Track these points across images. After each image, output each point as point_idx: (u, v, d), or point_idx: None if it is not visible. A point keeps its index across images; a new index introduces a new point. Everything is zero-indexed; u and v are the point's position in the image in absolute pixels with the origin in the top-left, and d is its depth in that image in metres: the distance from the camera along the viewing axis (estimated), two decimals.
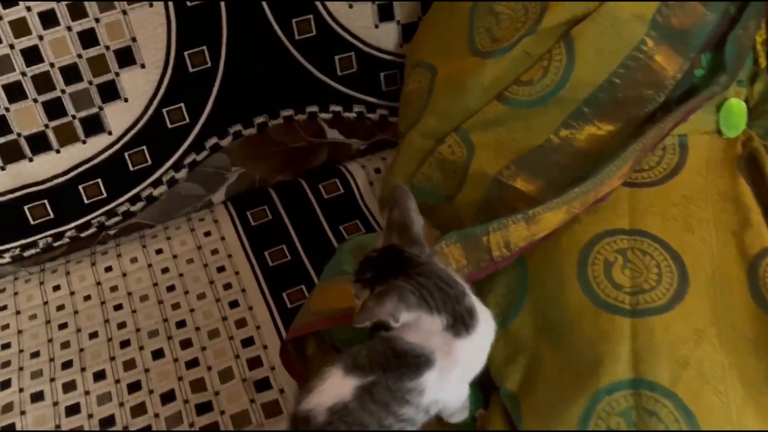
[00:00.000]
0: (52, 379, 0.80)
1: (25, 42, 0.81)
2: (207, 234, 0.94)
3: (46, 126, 0.86)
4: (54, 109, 0.85)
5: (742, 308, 0.63)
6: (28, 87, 0.83)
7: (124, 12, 0.84)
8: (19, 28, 0.80)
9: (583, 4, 0.73)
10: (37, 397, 0.78)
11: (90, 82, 0.86)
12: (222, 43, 0.89)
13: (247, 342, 0.81)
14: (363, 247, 0.71)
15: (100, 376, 0.80)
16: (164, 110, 0.90)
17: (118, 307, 0.87)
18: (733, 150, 0.75)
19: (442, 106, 0.79)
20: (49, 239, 0.92)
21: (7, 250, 0.90)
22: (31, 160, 0.87)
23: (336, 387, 0.56)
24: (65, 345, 0.83)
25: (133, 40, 0.85)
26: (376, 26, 0.94)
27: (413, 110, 0.83)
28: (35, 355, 0.82)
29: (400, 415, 0.57)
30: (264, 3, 0.89)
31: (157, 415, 0.75)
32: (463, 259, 0.65)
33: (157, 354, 0.81)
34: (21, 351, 0.83)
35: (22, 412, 0.76)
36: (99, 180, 0.91)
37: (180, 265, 0.90)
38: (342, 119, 0.99)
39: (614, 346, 0.62)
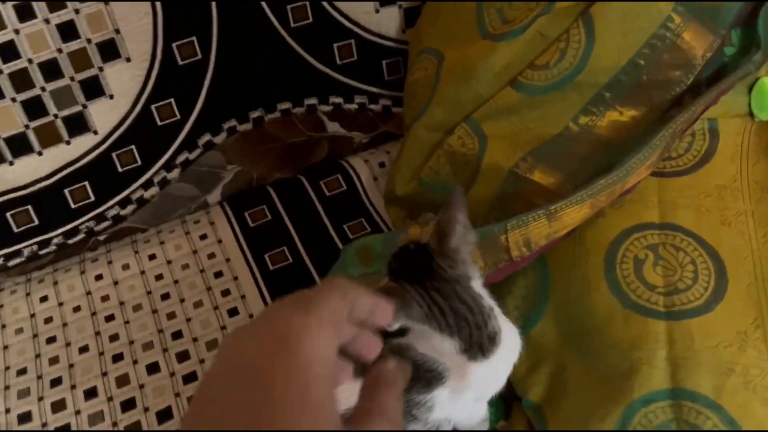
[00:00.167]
0: (41, 398, 0.75)
1: (1, 37, 0.76)
2: (203, 237, 0.88)
3: (27, 126, 0.80)
4: (34, 108, 0.80)
5: None
6: (5, 85, 0.78)
7: (106, 1, 0.78)
8: None
9: None
10: (25, 418, 0.73)
11: (72, 79, 0.80)
12: (213, 33, 0.84)
13: None
14: (369, 249, 0.66)
15: (91, 393, 0.74)
16: (153, 106, 0.85)
17: (109, 318, 0.81)
18: (767, 134, 0.70)
19: (451, 94, 0.73)
20: (35, 247, 0.87)
21: None
22: (11, 163, 0.81)
23: (346, 392, 0.52)
24: (54, 360, 0.78)
25: (117, 32, 0.80)
26: (377, 11, 0.88)
27: (419, 100, 0.77)
28: (22, 372, 0.77)
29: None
30: None
31: None
32: (480, 260, 0.60)
33: (153, 368, 0.76)
34: (7, 368, 0.78)
35: None
36: (86, 183, 0.86)
37: (175, 272, 0.85)
38: (343, 111, 0.94)
39: (649, 353, 0.57)
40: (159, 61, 0.83)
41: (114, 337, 0.79)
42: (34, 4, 0.76)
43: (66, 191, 0.85)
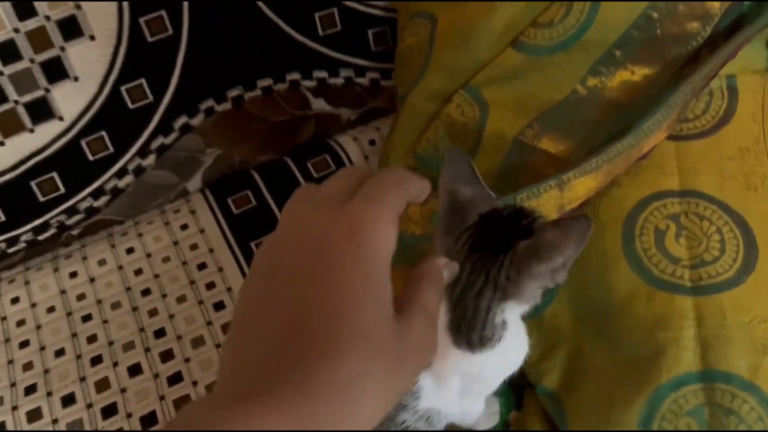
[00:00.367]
0: (14, 408, 0.69)
1: None
2: (184, 227, 0.83)
3: None
4: None
5: None
6: None
7: None
8: None
9: None
10: None
11: (32, 60, 0.73)
12: (183, 7, 0.77)
13: None
14: None
15: (69, 400, 0.69)
16: (123, 88, 0.78)
17: (86, 318, 0.75)
18: None
19: (447, 60, 0.66)
20: (2, 245, 0.80)
21: None
22: None
23: None
24: (27, 366, 0.72)
25: (78, 7, 0.73)
26: None
27: (413, 69, 0.71)
28: None
29: (399, 422, 0.49)
30: None
31: None
32: None
33: (134, 370, 0.70)
34: None
35: None
36: (54, 174, 0.79)
37: (155, 265, 0.79)
38: (328, 87, 0.87)
39: (676, 332, 0.52)
40: (126, 38, 0.76)
41: (92, 339, 0.74)
42: None
43: (33, 184, 0.79)
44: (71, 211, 0.82)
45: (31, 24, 0.72)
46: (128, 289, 0.78)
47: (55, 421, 0.67)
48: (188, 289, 0.76)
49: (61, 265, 0.81)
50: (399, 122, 0.71)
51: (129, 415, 0.67)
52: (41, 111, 0.76)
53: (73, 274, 0.80)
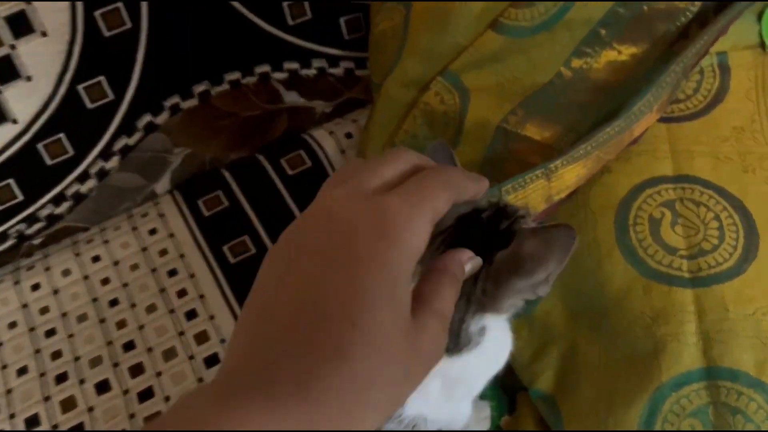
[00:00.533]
0: None
1: None
2: (152, 232, 0.78)
3: None
4: None
5: None
6: None
7: None
8: None
9: None
10: None
11: None
12: None
13: (212, 360, 0.66)
14: None
15: (32, 422, 0.65)
16: (80, 87, 0.73)
17: (50, 333, 0.71)
18: None
19: (423, 44, 0.63)
20: None
21: None
22: None
23: None
24: None
25: (27, 2, 0.68)
26: None
27: (387, 55, 0.67)
28: None
29: None
30: None
31: None
32: None
33: (102, 387, 0.66)
34: None
35: None
36: (10, 181, 0.74)
37: (123, 274, 0.75)
38: (300, 78, 0.83)
39: (676, 327, 0.49)
40: (81, 33, 0.72)
41: (56, 355, 0.69)
42: None
43: None
44: (31, 220, 0.77)
45: None
46: (95, 300, 0.73)
47: None
48: (158, 298, 0.72)
49: (23, 278, 0.76)
50: (375, 112, 0.67)
51: None
52: None
53: (36, 287, 0.75)
